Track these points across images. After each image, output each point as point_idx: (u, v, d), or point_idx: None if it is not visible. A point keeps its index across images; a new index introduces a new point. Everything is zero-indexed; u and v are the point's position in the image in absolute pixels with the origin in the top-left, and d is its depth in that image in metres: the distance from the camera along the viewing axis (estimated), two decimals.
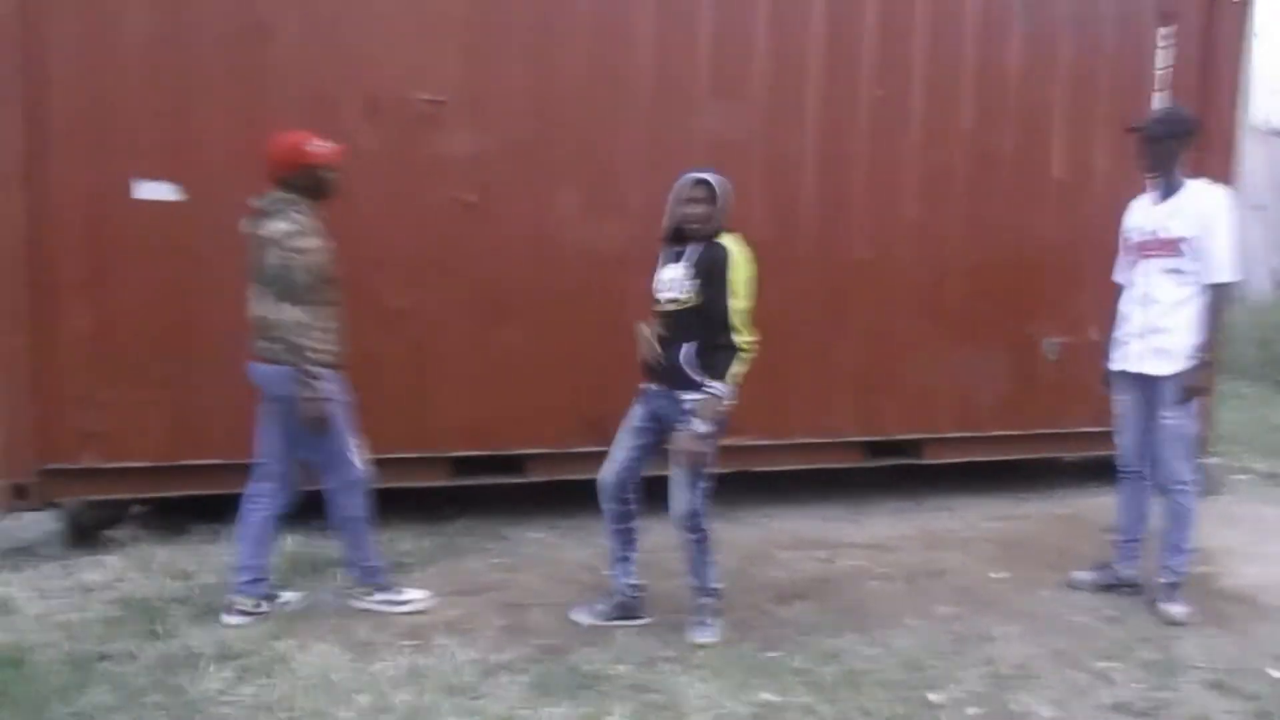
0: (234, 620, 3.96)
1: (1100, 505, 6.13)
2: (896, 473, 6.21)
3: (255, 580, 4.05)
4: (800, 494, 6.10)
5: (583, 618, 4.14)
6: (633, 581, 4.16)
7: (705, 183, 3.83)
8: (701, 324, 3.80)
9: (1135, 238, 4.55)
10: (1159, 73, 6.26)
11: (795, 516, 5.79)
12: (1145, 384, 4.50)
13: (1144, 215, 4.53)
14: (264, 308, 3.87)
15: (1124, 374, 4.58)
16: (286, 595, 4.24)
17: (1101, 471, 6.51)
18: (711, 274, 3.77)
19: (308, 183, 3.94)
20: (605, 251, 5.27)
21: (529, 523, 5.44)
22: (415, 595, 4.27)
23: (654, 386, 3.96)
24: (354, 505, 4.13)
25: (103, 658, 3.64)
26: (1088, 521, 5.87)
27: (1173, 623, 4.32)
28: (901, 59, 5.74)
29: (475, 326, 5.16)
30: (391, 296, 5.04)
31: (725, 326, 3.76)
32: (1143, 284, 4.48)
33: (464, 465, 5.26)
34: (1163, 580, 4.48)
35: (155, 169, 4.69)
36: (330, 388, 3.93)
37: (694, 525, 3.94)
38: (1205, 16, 6.33)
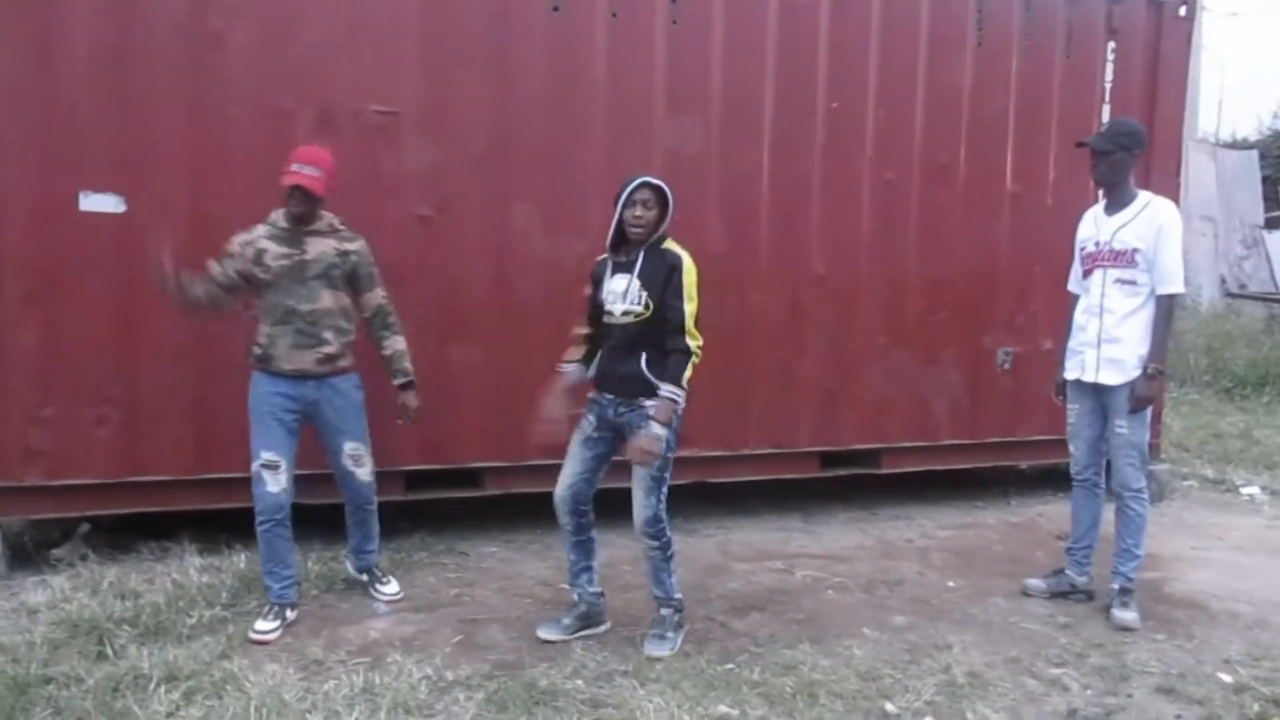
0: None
1: (1053, 512, 6.23)
2: (853, 483, 6.25)
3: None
4: (756, 506, 6.12)
5: (551, 634, 4.10)
6: (596, 589, 4.18)
7: (653, 186, 3.86)
8: (656, 332, 3.85)
9: (1088, 248, 4.63)
10: (1107, 86, 6.37)
11: (752, 528, 5.80)
12: (1098, 393, 4.57)
13: (1096, 226, 4.61)
14: None
15: (1078, 383, 4.65)
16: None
17: (1054, 479, 6.63)
18: (667, 282, 3.82)
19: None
20: (563, 266, 5.26)
21: (485, 537, 5.41)
22: (266, 627, 4.05)
23: (607, 396, 3.97)
24: (258, 518, 4.11)
25: (47, 680, 3.56)
26: (1041, 529, 5.95)
27: (1124, 628, 4.39)
28: (855, 73, 5.80)
29: (431, 341, 5.12)
30: None
31: (680, 331, 3.82)
32: (1096, 294, 4.55)
33: (419, 479, 5.23)
34: (1115, 586, 4.55)
35: (104, 182, 4.61)
36: (257, 390, 4.14)
37: (656, 532, 3.95)
38: (1152, 31, 6.46)
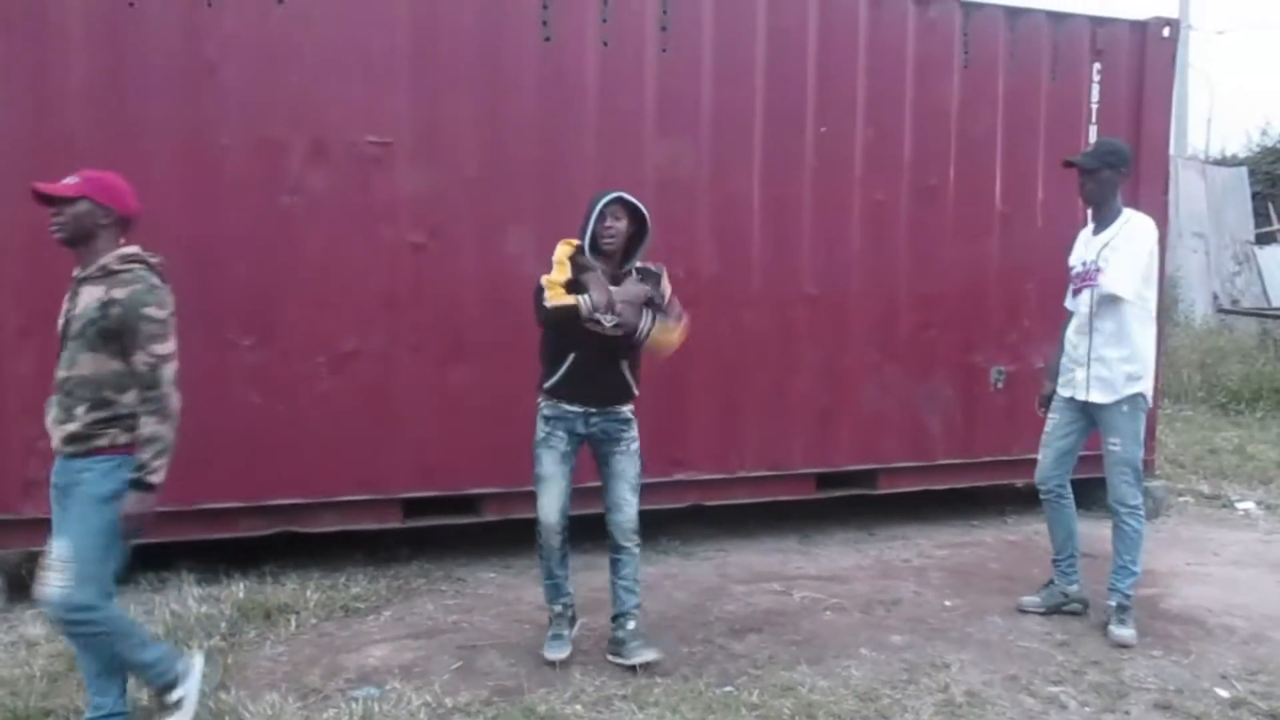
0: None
1: None
2: (849, 503, 6.26)
3: None
4: (753, 528, 6.12)
5: (561, 653, 4.11)
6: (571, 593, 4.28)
7: (625, 202, 3.97)
8: (634, 343, 4.00)
9: (1077, 269, 4.69)
10: (1094, 107, 6.44)
11: (749, 550, 5.81)
12: (1087, 411, 4.61)
13: (1085, 247, 4.67)
14: None
15: (1069, 399, 4.68)
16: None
17: None
18: (659, 302, 4.03)
19: None
20: None
21: (483, 564, 5.41)
22: None
23: (575, 409, 4.00)
24: None
25: (46, 713, 3.58)
26: (1038, 546, 5.94)
27: (1121, 645, 4.41)
28: (843, 96, 5.85)
29: (427, 366, 5.15)
30: (342, 338, 5.03)
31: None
32: (1086, 313, 4.60)
33: (417, 506, 5.24)
34: (1112, 603, 4.56)
35: None
36: None
37: (638, 534, 4.09)
38: (1137, 52, 6.52)
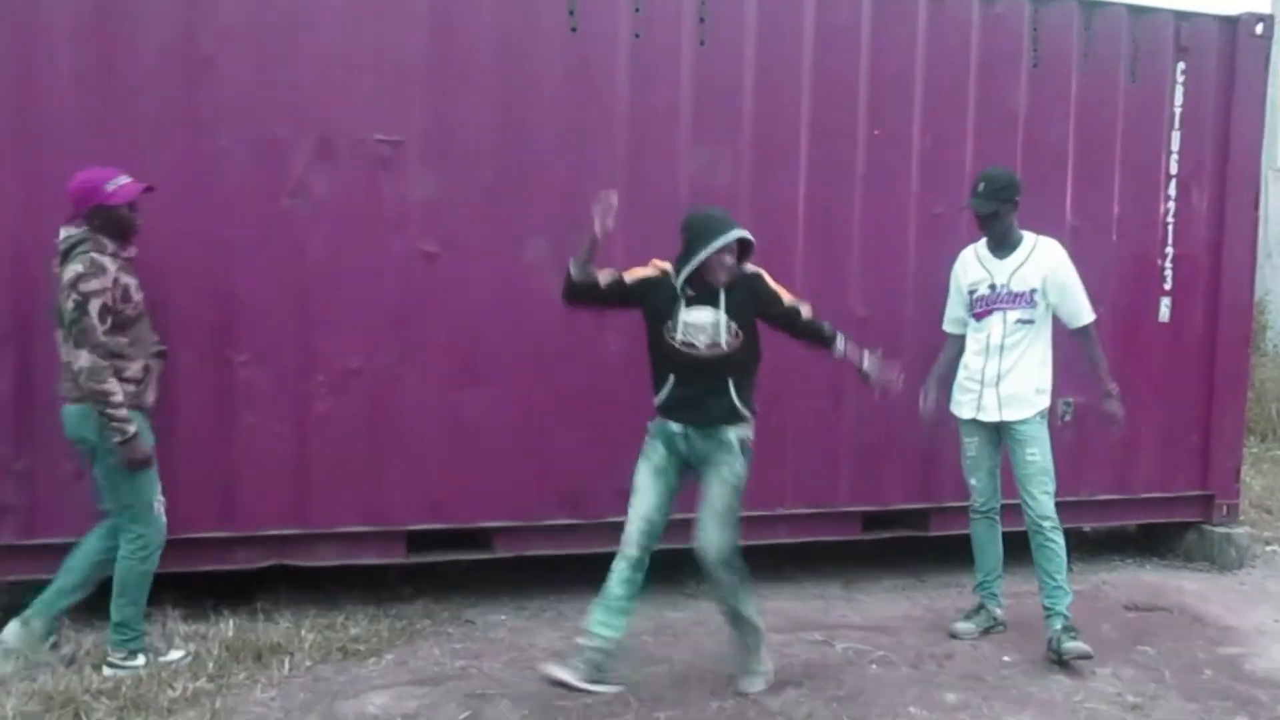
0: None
1: (1120, 579, 6.21)
2: (898, 546, 6.24)
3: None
4: (792, 571, 6.11)
5: (566, 674, 4.14)
6: (618, 637, 4.28)
7: (743, 240, 4.20)
8: (742, 358, 4.29)
9: (981, 291, 5.10)
10: (1177, 111, 6.40)
11: (788, 595, 5.80)
12: (997, 428, 5.07)
13: (987, 270, 5.09)
14: (64, 352, 4.21)
15: (970, 419, 5.10)
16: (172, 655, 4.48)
17: (1120, 543, 6.60)
18: (759, 298, 4.37)
19: (105, 223, 4.26)
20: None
21: (494, 604, 5.43)
22: (175, 655, 4.48)
23: (677, 426, 4.21)
24: (146, 561, 4.37)
25: None
26: (1108, 597, 5.91)
27: (1082, 657, 4.71)
28: (899, 97, 5.85)
29: (436, 388, 5.18)
30: (343, 355, 5.07)
31: (812, 319, 4.48)
32: (998, 335, 5.03)
33: (422, 540, 5.26)
34: (1056, 626, 4.85)
35: None
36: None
37: (734, 564, 4.27)
38: (1226, 51, 6.47)
